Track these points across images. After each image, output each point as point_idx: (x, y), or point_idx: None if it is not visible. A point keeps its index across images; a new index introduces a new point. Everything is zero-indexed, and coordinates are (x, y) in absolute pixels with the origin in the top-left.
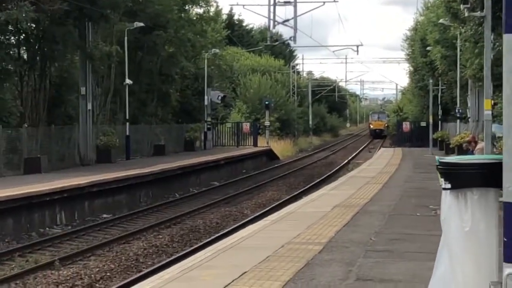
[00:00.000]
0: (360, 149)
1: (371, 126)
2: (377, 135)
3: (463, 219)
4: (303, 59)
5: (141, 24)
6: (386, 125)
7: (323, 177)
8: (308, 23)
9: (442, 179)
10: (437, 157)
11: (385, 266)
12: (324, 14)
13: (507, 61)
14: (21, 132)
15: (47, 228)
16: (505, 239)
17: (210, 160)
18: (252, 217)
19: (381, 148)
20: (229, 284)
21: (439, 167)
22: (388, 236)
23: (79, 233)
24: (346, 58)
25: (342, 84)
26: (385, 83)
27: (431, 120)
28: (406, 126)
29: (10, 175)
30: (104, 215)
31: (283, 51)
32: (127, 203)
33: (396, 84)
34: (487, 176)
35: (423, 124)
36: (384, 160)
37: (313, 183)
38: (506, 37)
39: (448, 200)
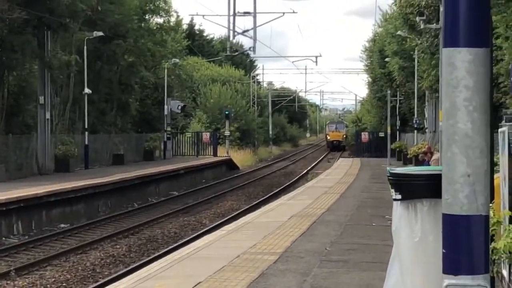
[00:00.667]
0: (320, 159)
1: (328, 137)
2: (335, 147)
3: (413, 229)
4: (263, 69)
5: (101, 33)
6: (344, 135)
7: (282, 187)
8: (268, 33)
9: (393, 190)
10: (388, 168)
11: (339, 276)
12: (284, 25)
13: (445, 74)
14: None
15: (3, 238)
16: (444, 251)
17: (169, 170)
18: (211, 227)
19: (340, 158)
20: None
21: (389, 178)
22: (343, 246)
23: (36, 243)
24: (305, 69)
25: (302, 94)
26: (345, 93)
27: (389, 131)
28: (364, 136)
29: None
30: (62, 225)
31: (243, 62)
32: (85, 212)
33: (355, 95)
34: (436, 187)
35: (382, 134)
36: (342, 170)
37: (272, 193)
38: (445, 51)
39: (398, 210)
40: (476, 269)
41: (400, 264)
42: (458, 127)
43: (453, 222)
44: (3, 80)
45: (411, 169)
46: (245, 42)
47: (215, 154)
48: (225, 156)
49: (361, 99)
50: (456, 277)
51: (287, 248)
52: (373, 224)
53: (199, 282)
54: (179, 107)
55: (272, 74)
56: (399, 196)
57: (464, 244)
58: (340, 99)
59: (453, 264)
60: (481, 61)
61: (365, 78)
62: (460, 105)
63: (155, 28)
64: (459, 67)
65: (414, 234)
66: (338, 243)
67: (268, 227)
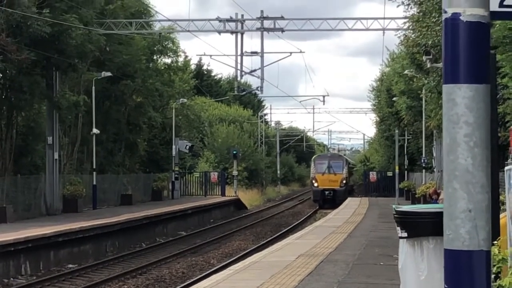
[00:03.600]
0: None
1: (316, 184)
2: (328, 201)
3: (419, 267)
4: (271, 109)
5: (109, 73)
6: (344, 180)
7: (290, 227)
8: (275, 73)
9: (399, 228)
10: (393, 206)
11: None
12: (292, 64)
13: (445, 110)
14: None
15: (11, 279)
16: (445, 286)
17: (177, 210)
18: (218, 266)
19: (348, 198)
20: None
21: (395, 216)
22: (350, 286)
23: (44, 283)
24: (313, 108)
25: (310, 134)
26: (353, 133)
27: (397, 170)
28: (373, 176)
29: None
30: (70, 265)
31: (251, 101)
32: (93, 253)
33: (363, 134)
34: (442, 225)
35: (390, 174)
36: (351, 209)
37: (280, 232)
38: (445, 87)
39: (405, 248)
40: None
41: None
42: (458, 163)
43: (455, 258)
44: (11, 120)
45: (417, 207)
46: (253, 81)
47: (223, 194)
48: (233, 196)
49: (369, 138)
50: None
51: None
52: (381, 263)
53: None
54: (187, 147)
55: (280, 114)
56: (405, 234)
57: (465, 279)
58: (348, 138)
59: None
60: (481, 97)
61: (372, 117)
62: (460, 141)
63: (163, 68)
64: (459, 103)
65: (420, 272)
66: (345, 282)
67: (276, 266)
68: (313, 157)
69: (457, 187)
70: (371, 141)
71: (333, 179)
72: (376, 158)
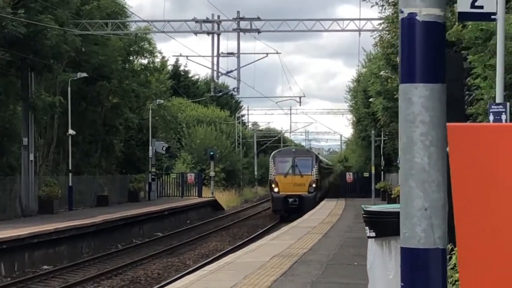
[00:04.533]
0: None
1: (276, 190)
2: (291, 210)
3: (387, 267)
4: (248, 110)
5: (85, 74)
6: (314, 184)
7: (266, 228)
8: (252, 74)
9: (367, 228)
10: (362, 206)
11: None
12: (269, 65)
13: (402, 110)
14: None
15: None
16: (402, 284)
17: (154, 211)
18: (194, 267)
19: (324, 199)
20: None
21: (364, 215)
22: (324, 286)
23: (19, 284)
24: (290, 109)
25: (287, 135)
26: (330, 133)
27: (373, 171)
28: (349, 176)
29: None
30: (45, 267)
31: (229, 102)
32: (68, 254)
33: (340, 135)
34: None
35: (366, 174)
36: (327, 210)
37: (257, 233)
38: (402, 87)
39: (373, 248)
40: None
41: None
42: (414, 162)
43: (411, 256)
44: None
45: (385, 207)
46: (230, 82)
47: (200, 195)
48: (210, 197)
49: (346, 139)
50: None
51: None
52: (355, 263)
53: None
54: (164, 148)
55: (257, 115)
56: (373, 234)
57: (422, 277)
58: (326, 139)
59: None
60: (437, 97)
61: (349, 118)
62: (416, 140)
63: (139, 69)
64: (416, 102)
65: (388, 271)
66: (319, 282)
67: (250, 267)
68: (272, 154)
69: (413, 186)
70: (348, 142)
71: (299, 182)
72: (353, 159)
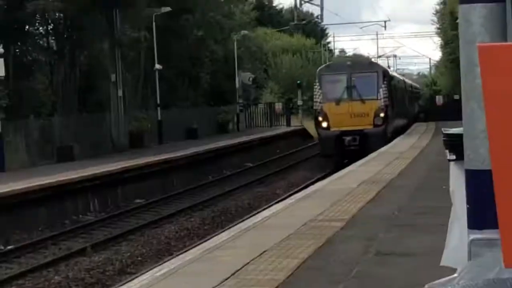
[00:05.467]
0: None
1: (325, 124)
2: (349, 154)
3: None
4: (334, 37)
5: (168, 8)
6: (382, 113)
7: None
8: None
9: (447, 151)
10: (442, 129)
11: (405, 241)
12: None
13: (462, 31)
14: (53, 121)
15: (80, 216)
16: (468, 206)
17: (243, 142)
18: (284, 197)
19: (414, 123)
20: (248, 263)
21: (443, 139)
22: (411, 211)
23: (112, 219)
24: (377, 34)
25: (374, 60)
26: (418, 57)
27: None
28: (439, 100)
29: (43, 164)
30: (137, 200)
31: (314, 30)
32: (160, 187)
33: (429, 58)
34: None
35: (457, 97)
36: (416, 134)
37: (345, 160)
38: (461, 8)
39: (454, 171)
40: None
41: (459, 226)
42: (476, 83)
43: (476, 177)
44: (74, 60)
45: None
46: (315, 10)
47: (288, 124)
48: (299, 126)
49: (435, 62)
50: (482, 232)
51: (354, 215)
52: (443, 187)
53: (265, 251)
54: (250, 79)
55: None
56: (453, 157)
57: (487, 198)
58: (414, 63)
59: (477, 219)
60: (495, 16)
61: (436, 41)
62: (476, 61)
63: (222, 0)
64: (475, 22)
65: None
66: (406, 207)
67: (337, 194)
68: (318, 70)
69: (475, 107)
70: (437, 65)
71: (359, 111)
72: (443, 82)
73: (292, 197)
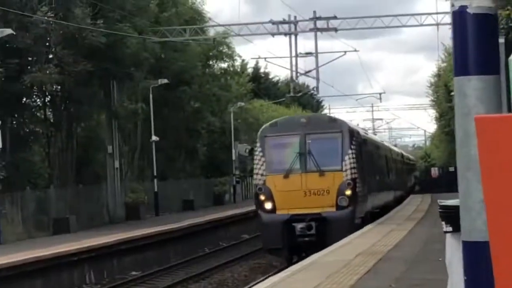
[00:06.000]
0: None
1: (268, 205)
2: (302, 245)
3: None
4: (329, 109)
5: (166, 80)
6: (349, 189)
7: None
8: (332, 73)
9: (443, 223)
10: (438, 200)
11: None
12: (348, 63)
13: (457, 103)
14: (50, 193)
15: None
16: (465, 278)
17: (239, 213)
18: (281, 268)
19: (410, 196)
20: None
21: (439, 210)
22: (408, 282)
23: None
24: (372, 106)
25: (370, 132)
26: (413, 129)
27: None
28: (434, 171)
29: (39, 236)
30: (134, 272)
31: (310, 102)
32: (157, 259)
33: (424, 130)
34: None
35: (452, 169)
36: (412, 206)
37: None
38: (456, 80)
39: (450, 243)
40: None
41: None
42: (471, 155)
43: (473, 249)
44: (71, 131)
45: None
46: (310, 82)
47: None
48: None
49: (430, 134)
50: None
51: (351, 287)
52: (440, 259)
53: None
54: (247, 151)
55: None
56: (449, 228)
57: (484, 270)
58: (409, 135)
59: None
60: (491, 88)
61: (431, 113)
62: (472, 133)
63: (219, 73)
64: (470, 95)
65: None
66: (403, 279)
67: (334, 266)
68: (261, 130)
69: (471, 179)
70: (432, 137)
71: (316, 187)
72: (437, 154)
73: (288, 269)
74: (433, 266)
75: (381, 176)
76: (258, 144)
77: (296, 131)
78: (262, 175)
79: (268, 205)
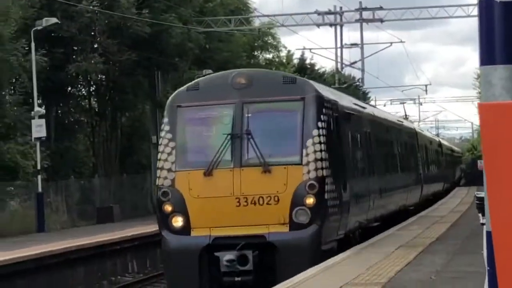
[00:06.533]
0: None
1: (178, 223)
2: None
3: None
4: (376, 100)
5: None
6: (312, 191)
7: None
8: (377, 63)
9: (480, 215)
10: (476, 192)
11: None
12: (395, 54)
13: (483, 92)
14: (94, 182)
15: (118, 277)
16: (488, 268)
17: None
18: None
19: (456, 188)
20: None
21: (476, 202)
22: (449, 275)
23: (151, 280)
24: (418, 98)
25: (416, 124)
26: (461, 121)
27: None
28: (481, 164)
29: (83, 225)
30: None
31: (356, 93)
32: None
33: (472, 123)
34: None
35: None
36: (457, 199)
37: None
38: (482, 69)
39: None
40: None
41: None
42: None
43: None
44: (116, 121)
45: None
46: (356, 73)
47: None
48: None
49: (477, 126)
50: None
51: (391, 278)
52: (482, 251)
53: None
54: None
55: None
56: (485, 220)
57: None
58: (456, 128)
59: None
60: None
61: None
62: None
63: (264, 64)
64: (496, 84)
65: None
66: (444, 271)
67: (374, 258)
68: (172, 96)
69: None
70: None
71: (257, 191)
72: None
73: (329, 260)
74: (475, 259)
75: (388, 171)
76: (165, 120)
77: (227, 98)
78: (169, 170)
79: (176, 222)
